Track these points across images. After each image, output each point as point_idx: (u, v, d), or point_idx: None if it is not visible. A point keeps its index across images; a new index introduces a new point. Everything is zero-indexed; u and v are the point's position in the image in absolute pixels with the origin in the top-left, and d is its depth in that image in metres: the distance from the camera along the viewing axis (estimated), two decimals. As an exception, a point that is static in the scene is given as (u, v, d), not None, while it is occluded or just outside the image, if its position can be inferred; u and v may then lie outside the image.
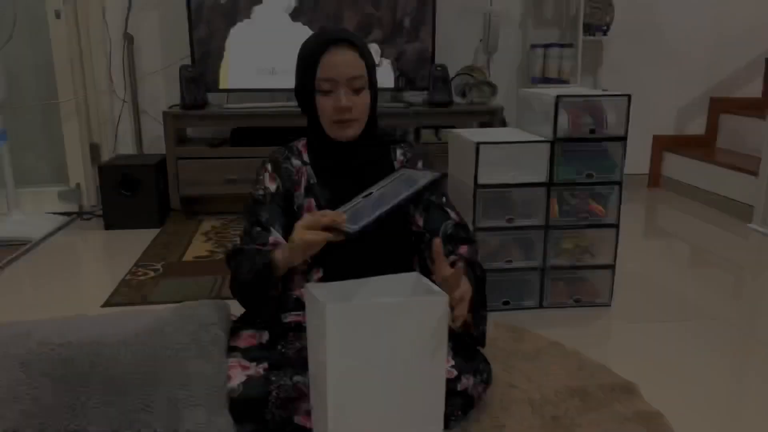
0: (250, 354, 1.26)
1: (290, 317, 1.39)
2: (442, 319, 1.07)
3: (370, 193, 1.20)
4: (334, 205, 1.34)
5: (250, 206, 1.36)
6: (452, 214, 1.41)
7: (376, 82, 1.36)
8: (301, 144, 1.42)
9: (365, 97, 1.31)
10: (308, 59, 1.30)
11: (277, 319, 1.35)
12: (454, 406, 1.26)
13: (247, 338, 1.32)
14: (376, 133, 1.40)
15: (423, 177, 1.21)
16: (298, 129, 1.46)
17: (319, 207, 1.36)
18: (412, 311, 1.05)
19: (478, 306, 1.30)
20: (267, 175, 1.38)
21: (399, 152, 1.44)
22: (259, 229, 1.32)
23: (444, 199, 1.42)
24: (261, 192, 1.36)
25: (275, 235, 1.32)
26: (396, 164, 1.43)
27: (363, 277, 1.17)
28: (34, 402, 1.13)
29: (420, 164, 1.43)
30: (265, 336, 1.33)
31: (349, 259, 1.27)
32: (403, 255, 1.40)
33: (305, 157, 1.40)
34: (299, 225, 1.13)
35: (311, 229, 1.10)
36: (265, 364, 1.23)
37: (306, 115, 1.37)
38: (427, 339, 1.06)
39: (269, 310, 1.29)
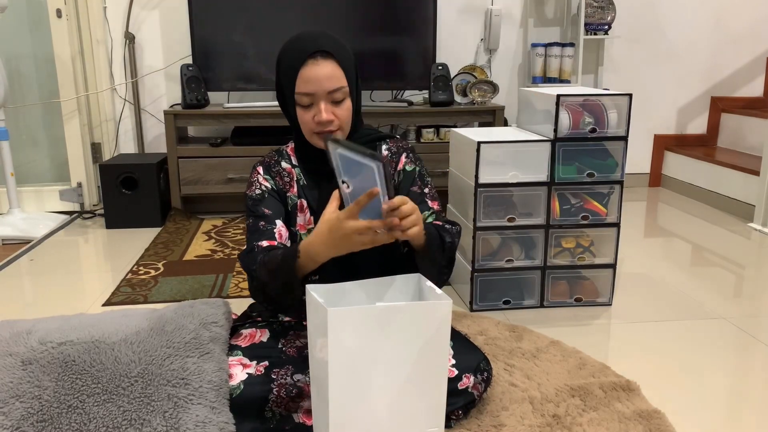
0: (251, 352, 1.27)
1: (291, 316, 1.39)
2: (445, 322, 1.07)
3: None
4: (321, 203, 1.35)
5: (250, 206, 1.36)
6: (430, 204, 1.39)
7: (358, 86, 1.34)
8: (289, 148, 1.42)
9: (347, 107, 1.29)
10: (287, 72, 1.28)
11: (297, 309, 1.33)
12: (454, 405, 1.27)
13: (247, 337, 1.33)
14: (358, 135, 1.38)
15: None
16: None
17: (310, 208, 1.37)
18: (414, 315, 1.05)
19: (434, 249, 1.26)
20: (260, 177, 1.38)
21: (384, 148, 1.42)
22: (263, 223, 1.31)
23: (426, 189, 1.40)
24: (258, 191, 1.36)
25: (280, 227, 1.32)
26: None
27: (357, 274, 1.17)
28: (36, 400, 1.13)
29: (403, 158, 1.41)
30: (266, 334, 1.33)
31: (341, 259, 1.29)
32: (393, 251, 1.39)
33: (294, 161, 1.40)
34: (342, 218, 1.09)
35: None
36: (266, 363, 1.24)
37: (290, 121, 1.37)
38: (429, 341, 1.06)
39: (297, 296, 1.21)
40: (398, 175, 1.40)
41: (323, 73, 1.24)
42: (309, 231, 1.36)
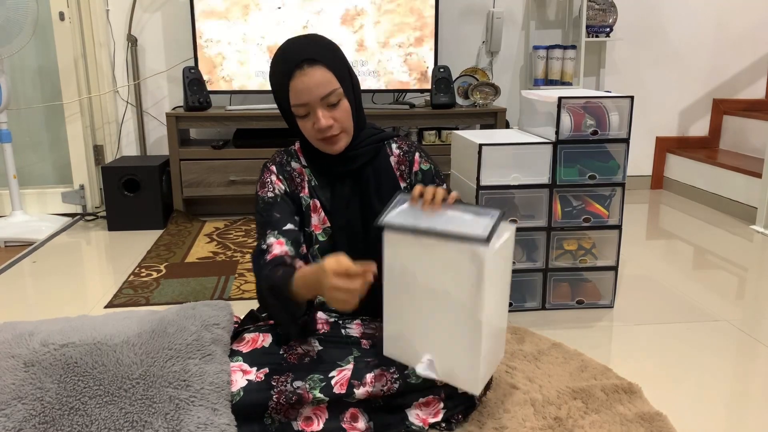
0: (252, 358, 1.26)
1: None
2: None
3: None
4: (335, 205, 1.36)
5: (261, 208, 1.35)
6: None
7: (354, 85, 1.33)
8: (296, 147, 1.43)
9: (344, 108, 1.28)
10: (279, 88, 1.29)
11: (305, 332, 1.36)
12: (455, 408, 1.27)
13: (249, 342, 1.32)
14: (365, 134, 1.39)
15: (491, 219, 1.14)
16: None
17: (323, 208, 1.37)
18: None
19: None
20: (273, 176, 1.38)
21: (394, 146, 1.44)
22: (271, 229, 1.32)
23: (444, 185, 1.41)
24: (271, 193, 1.36)
25: (290, 229, 1.32)
26: (392, 158, 1.42)
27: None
28: (38, 402, 1.13)
29: (417, 156, 1.43)
30: (269, 339, 1.33)
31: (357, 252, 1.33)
32: None
33: (303, 161, 1.40)
34: (328, 269, 1.06)
35: (340, 275, 1.06)
36: (266, 369, 1.24)
37: (292, 129, 1.37)
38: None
39: (294, 329, 1.29)
40: (416, 175, 1.42)
41: (312, 82, 1.24)
42: (324, 231, 1.38)
